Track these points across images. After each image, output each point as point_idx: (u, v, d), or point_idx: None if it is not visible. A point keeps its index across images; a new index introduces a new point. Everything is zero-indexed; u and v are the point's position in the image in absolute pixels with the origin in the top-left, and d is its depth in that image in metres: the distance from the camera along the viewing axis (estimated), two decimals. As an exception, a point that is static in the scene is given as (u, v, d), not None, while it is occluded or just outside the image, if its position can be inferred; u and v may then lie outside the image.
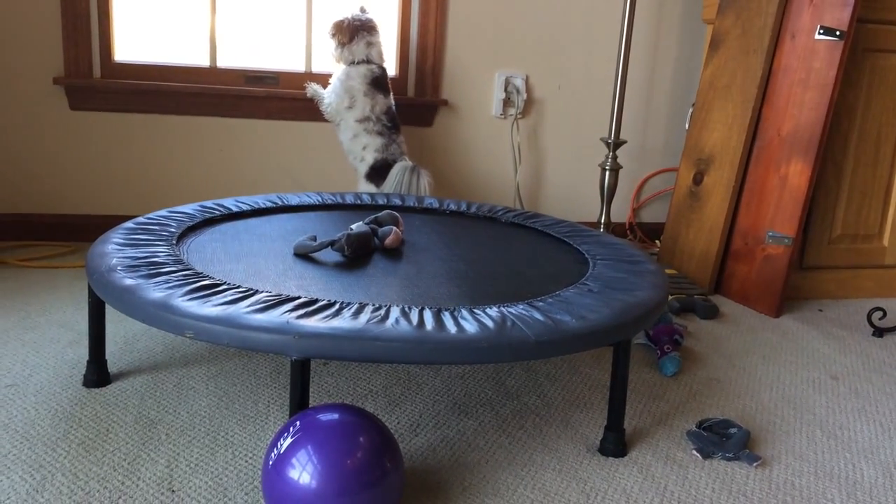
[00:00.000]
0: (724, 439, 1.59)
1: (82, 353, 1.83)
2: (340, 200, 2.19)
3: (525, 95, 3.03)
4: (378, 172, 2.57)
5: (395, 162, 2.56)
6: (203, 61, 2.77)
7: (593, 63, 3.09)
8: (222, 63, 2.79)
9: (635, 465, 1.50)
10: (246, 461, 1.42)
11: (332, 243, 1.71)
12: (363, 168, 2.59)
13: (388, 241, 1.78)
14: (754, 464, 1.53)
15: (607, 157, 2.90)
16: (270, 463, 1.17)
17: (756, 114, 2.54)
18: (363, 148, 2.58)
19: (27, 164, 2.66)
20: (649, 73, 3.17)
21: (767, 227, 2.49)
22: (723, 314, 2.44)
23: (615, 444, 1.53)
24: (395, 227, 1.82)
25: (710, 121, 2.68)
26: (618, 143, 2.88)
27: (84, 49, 2.61)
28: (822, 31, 2.36)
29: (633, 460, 1.52)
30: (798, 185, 2.41)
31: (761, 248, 2.51)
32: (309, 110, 2.82)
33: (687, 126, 2.82)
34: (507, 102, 3.02)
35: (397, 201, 2.23)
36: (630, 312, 1.46)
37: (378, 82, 2.60)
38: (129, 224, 1.77)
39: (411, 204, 2.22)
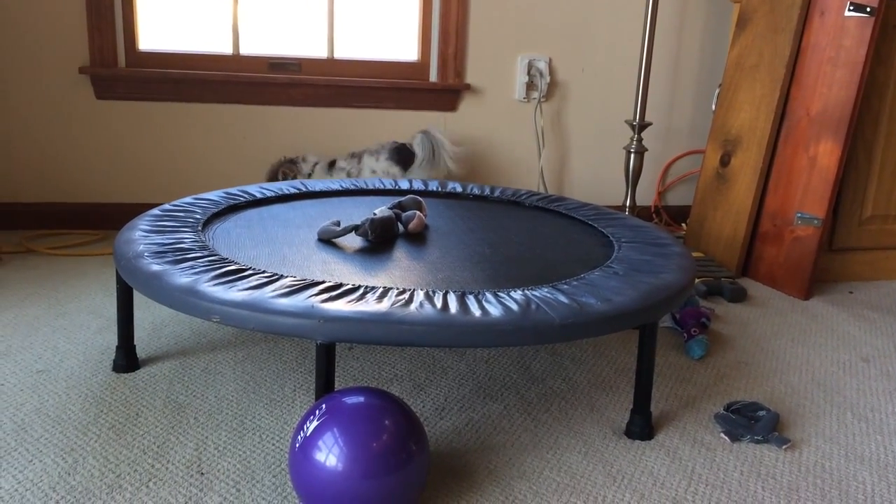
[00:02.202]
0: (752, 422, 1.57)
1: (111, 338, 1.85)
2: (364, 186, 2.19)
3: (548, 78, 3.00)
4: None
5: None
6: (226, 49, 2.78)
7: (617, 44, 3.05)
8: (245, 50, 2.80)
9: (662, 448, 1.49)
10: (273, 444, 1.43)
11: (355, 228, 1.71)
12: None
13: (411, 225, 1.78)
14: (783, 446, 1.51)
15: (632, 140, 2.87)
16: (297, 446, 1.17)
17: (784, 93, 2.50)
18: None
19: (55, 153, 2.70)
20: (675, 54, 3.13)
21: (796, 208, 2.45)
22: (751, 297, 2.41)
23: (642, 427, 1.52)
24: (418, 212, 1.81)
25: (738, 101, 2.64)
26: (643, 126, 2.85)
27: (109, 38, 2.63)
28: (851, 8, 2.30)
29: (660, 443, 1.51)
30: (828, 166, 2.37)
31: (790, 230, 2.47)
32: (331, 97, 2.83)
33: (713, 107, 2.78)
34: (530, 86, 3.00)
35: (420, 186, 2.23)
36: (656, 295, 1.44)
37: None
38: (155, 211, 1.78)
39: (434, 189, 2.21)
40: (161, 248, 1.52)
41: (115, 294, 2.13)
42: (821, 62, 2.41)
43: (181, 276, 1.38)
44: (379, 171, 2.65)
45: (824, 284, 2.56)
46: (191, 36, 2.78)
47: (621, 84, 3.09)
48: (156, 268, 1.42)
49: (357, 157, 2.67)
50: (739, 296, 2.34)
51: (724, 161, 2.67)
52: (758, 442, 1.52)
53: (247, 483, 1.31)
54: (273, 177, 2.65)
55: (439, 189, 2.21)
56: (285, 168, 2.66)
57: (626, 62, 3.07)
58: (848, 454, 1.51)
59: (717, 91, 2.79)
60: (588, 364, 1.85)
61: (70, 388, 1.60)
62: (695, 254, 2.68)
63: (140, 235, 1.60)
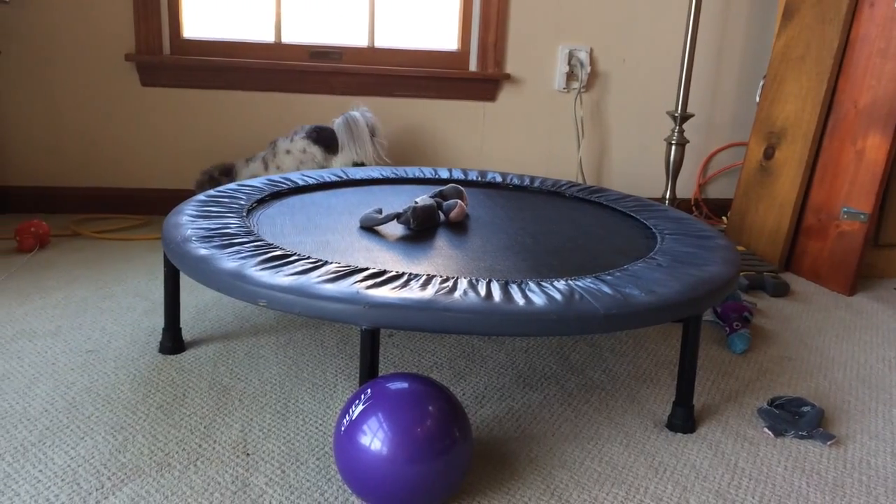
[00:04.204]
0: (796, 417, 1.56)
1: (157, 321, 1.89)
2: (404, 174, 2.20)
3: (589, 69, 2.98)
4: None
5: None
6: (268, 37, 2.81)
7: (660, 34, 3.02)
8: (287, 39, 2.82)
9: (704, 442, 1.48)
10: (317, 427, 1.45)
11: (397, 216, 1.72)
12: None
13: (452, 214, 1.79)
14: (828, 442, 1.49)
15: (673, 131, 2.84)
16: (342, 429, 1.19)
17: (831, 85, 2.46)
18: None
19: (101, 139, 2.74)
20: (718, 44, 3.08)
21: (842, 202, 2.41)
22: (794, 292, 2.37)
23: (684, 419, 1.51)
24: (459, 201, 1.82)
25: (783, 93, 2.60)
26: (685, 117, 2.82)
27: (154, 26, 2.66)
28: (904, -2, 2.25)
29: (703, 437, 1.50)
30: (875, 160, 2.32)
31: (835, 225, 2.43)
32: (372, 85, 2.84)
33: (758, 99, 2.74)
34: (570, 76, 2.98)
35: (460, 176, 2.23)
36: (701, 287, 1.43)
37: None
38: (200, 196, 1.81)
39: (474, 178, 2.21)
40: (208, 233, 1.54)
41: (161, 277, 2.17)
42: (870, 54, 2.36)
43: (229, 261, 1.40)
44: (295, 150, 2.54)
45: (869, 280, 2.51)
46: (234, 24, 2.80)
47: (663, 75, 3.06)
48: (203, 252, 1.44)
49: (271, 143, 2.59)
50: (782, 290, 2.31)
51: (768, 154, 2.63)
52: (802, 437, 1.51)
53: (291, 465, 1.33)
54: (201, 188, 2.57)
55: (479, 179, 2.21)
56: (213, 183, 2.58)
57: (668, 52, 3.03)
58: (894, 451, 1.49)
59: (761, 83, 2.75)
60: (628, 356, 1.84)
61: (118, 369, 1.64)
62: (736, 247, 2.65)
63: (187, 220, 1.62)
